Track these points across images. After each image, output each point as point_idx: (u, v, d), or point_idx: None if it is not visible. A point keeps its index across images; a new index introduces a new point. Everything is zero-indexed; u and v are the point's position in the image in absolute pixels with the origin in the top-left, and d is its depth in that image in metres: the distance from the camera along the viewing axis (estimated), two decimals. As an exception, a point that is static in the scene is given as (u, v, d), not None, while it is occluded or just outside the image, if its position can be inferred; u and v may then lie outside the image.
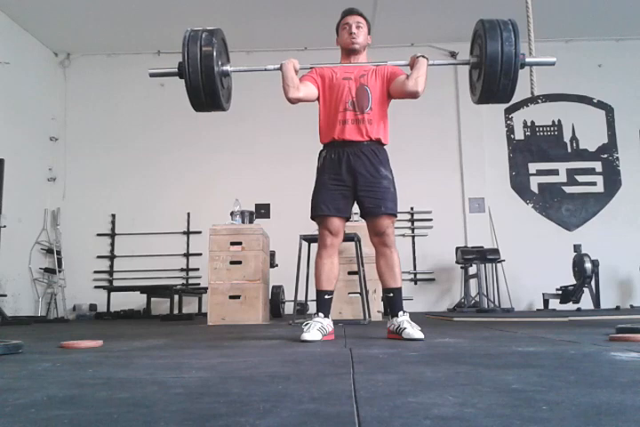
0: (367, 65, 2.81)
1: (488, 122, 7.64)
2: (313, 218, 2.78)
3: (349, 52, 2.81)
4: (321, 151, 2.81)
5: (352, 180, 2.70)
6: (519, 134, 7.73)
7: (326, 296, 2.72)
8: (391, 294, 2.74)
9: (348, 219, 2.79)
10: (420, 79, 2.68)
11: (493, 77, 2.44)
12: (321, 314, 2.66)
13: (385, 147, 2.79)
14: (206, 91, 2.51)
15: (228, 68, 2.68)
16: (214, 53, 2.47)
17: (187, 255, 7.45)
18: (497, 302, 6.63)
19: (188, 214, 7.48)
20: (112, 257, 7.48)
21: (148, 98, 7.77)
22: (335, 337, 2.69)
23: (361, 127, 2.69)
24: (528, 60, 2.51)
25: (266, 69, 2.75)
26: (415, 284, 7.35)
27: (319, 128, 2.81)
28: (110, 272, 7.45)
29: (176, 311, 6.27)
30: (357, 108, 2.71)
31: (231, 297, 4.61)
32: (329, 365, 1.69)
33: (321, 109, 2.81)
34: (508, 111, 7.74)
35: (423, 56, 2.75)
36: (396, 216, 2.77)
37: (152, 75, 2.65)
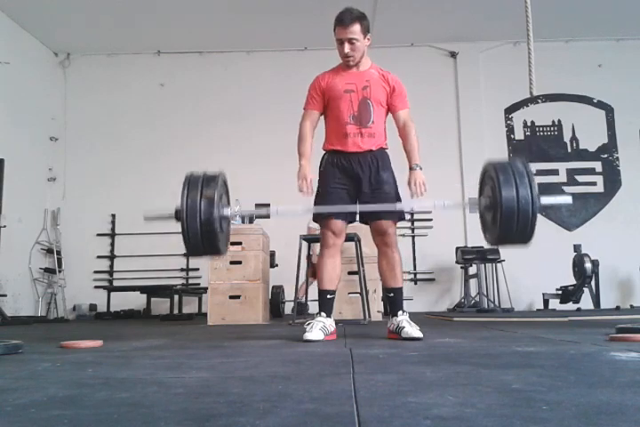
0: (371, 72, 2.77)
1: (488, 122, 7.64)
2: (315, 220, 2.78)
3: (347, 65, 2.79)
4: (323, 155, 2.83)
5: (354, 185, 2.72)
6: (519, 134, 7.72)
7: (328, 296, 2.73)
8: (392, 294, 2.75)
9: (350, 222, 2.80)
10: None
11: (510, 224, 2.26)
12: (323, 314, 2.67)
13: (387, 150, 2.81)
14: (204, 238, 2.30)
15: (228, 211, 2.50)
16: (215, 200, 2.29)
17: (187, 255, 7.44)
18: (497, 302, 6.63)
19: (188, 214, 7.48)
20: (112, 257, 7.48)
21: (148, 98, 7.77)
22: (337, 337, 2.69)
23: (364, 140, 2.71)
24: (544, 202, 2.31)
25: (269, 216, 2.70)
26: (415, 284, 7.35)
27: (325, 134, 2.82)
28: (110, 272, 7.45)
29: (176, 311, 6.27)
30: (359, 123, 2.71)
31: (231, 297, 4.61)
32: (329, 365, 1.69)
33: (326, 119, 2.83)
34: (508, 111, 7.74)
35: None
36: (401, 219, 2.79)
37: (147, 218, 2.52)
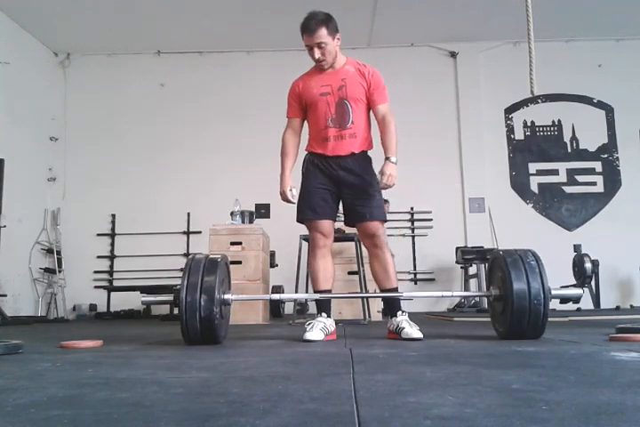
0: (346, 69, 2.72)
1: (488, 122, 7.64)
2: (301, 221, 2.78)
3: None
4: (305, 156, 2.82)
5: (336, 187, 2.72)
6: (519, 134, 7.72)
7: (326, 296, 2.73)
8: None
9: (334, 220, 2.80)
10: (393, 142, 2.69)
11: (522, 318, 2.30)
12: (324, 314, 2.67)
13: (368, 152, 2.77)
14: (204, 333, 2.30)
15: (229, 296, 2.47)
16: (216, 286, 2.28)
17: (187, 255, 7.44)
18: (497, 302, 6.62)
19: (188, 214, 7.48)
20: (112, 257, 7.48)
21: (147, 98, 7.77)
22: (337, 337, 2.69)
23: (344, 143, 2.68)
24: (554, 292, 2.37)
25: (271, 299, 2.70)
26: (415, 284, 7.35)
27: (308, 136, 2.81)
28: (110, 272, 7.45)
29: (176, 311, 6.26)
30: (339, 125, 2.68)
31: (231, 297, 4.60)
32: (329, 365, 1.69)
33: (308, 123, 2.82)
34: (508, 111, 7.74)
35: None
36: (384, 221, 2.77)
37: (144, 303, 2.54)
